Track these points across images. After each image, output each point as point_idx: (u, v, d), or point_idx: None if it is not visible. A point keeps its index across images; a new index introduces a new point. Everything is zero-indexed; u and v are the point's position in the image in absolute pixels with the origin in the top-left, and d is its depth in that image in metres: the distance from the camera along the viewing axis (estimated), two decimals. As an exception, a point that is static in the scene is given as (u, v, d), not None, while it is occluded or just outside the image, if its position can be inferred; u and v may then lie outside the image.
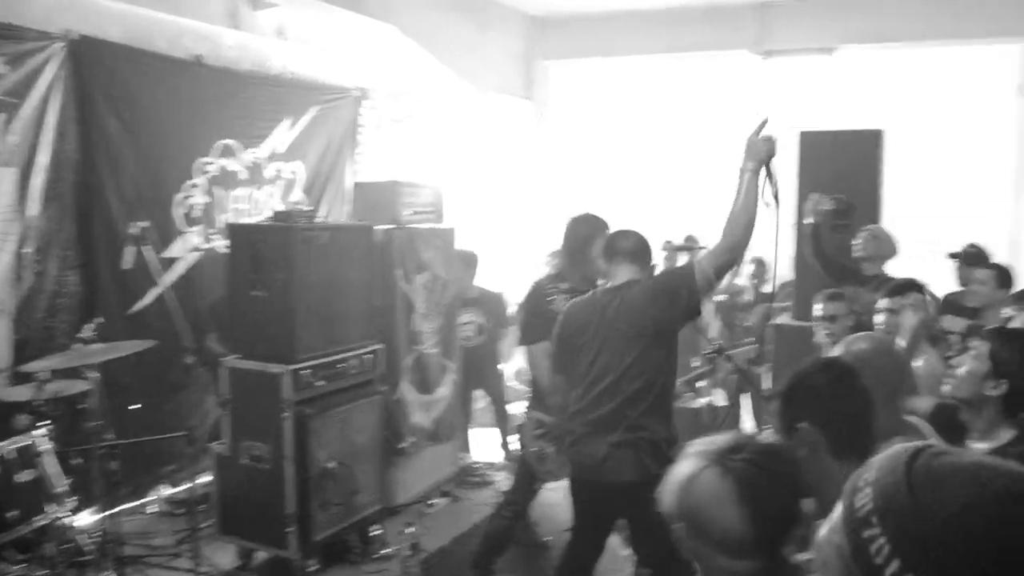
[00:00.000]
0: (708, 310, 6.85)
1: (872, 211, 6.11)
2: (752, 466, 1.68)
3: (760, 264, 7.39)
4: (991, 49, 8.63)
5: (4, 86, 5.15)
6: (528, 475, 4.66)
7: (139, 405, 5.34)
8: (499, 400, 7.21)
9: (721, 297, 7.30)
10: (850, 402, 2.05)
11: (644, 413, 3.66)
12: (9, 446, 3.72)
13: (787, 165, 6.41)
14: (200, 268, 6.39)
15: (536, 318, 4.46)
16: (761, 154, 3.47)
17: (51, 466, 3.90)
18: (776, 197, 3.50)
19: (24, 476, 3.73)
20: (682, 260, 7.17)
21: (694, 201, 9.46)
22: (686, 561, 1.74)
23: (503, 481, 6.64)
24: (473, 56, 8.94)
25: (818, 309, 4.69)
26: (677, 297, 3.66)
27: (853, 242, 5.55)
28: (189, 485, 5.72)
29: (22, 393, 4.42)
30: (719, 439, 1.77)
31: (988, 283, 4.90)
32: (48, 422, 4.07)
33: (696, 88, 9.82)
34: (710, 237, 7.51)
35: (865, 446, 2.00)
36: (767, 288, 7.46)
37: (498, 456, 7.15)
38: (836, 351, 4.19)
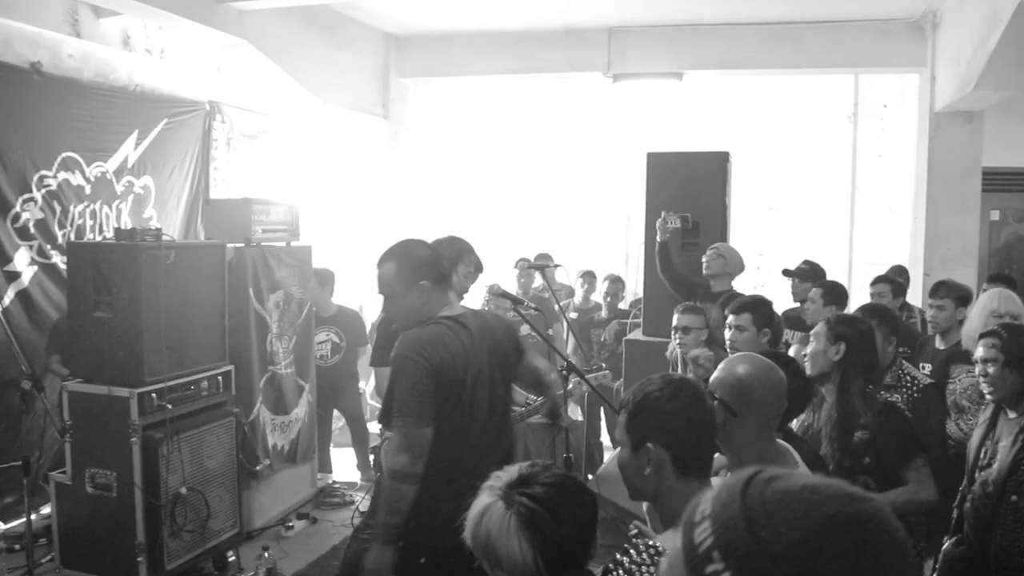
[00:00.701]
0: (561, 327, 6.99)
1: (720, 230, 6.36)
2: (535, 502, 1.80)
3: (615, 281, 7.59)
4: (827, 78, 9.21)
5: None
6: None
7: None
8: (357, 419, 7.13)
9: (573, 315, 7.45)
10: (697, 425, 2.06)
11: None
12: None
13: (639, 186, 6.68)
14: (37, 285, 6.09)
15: (388, 340, 4.44)
16: None
17: None
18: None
19: None
20: (535, 278, 7.31)
21: (547, 219, 9.66)
22: None
23: (363, 501, 6.57)
24: (329, 73, 8.85)
25: (674, 320, 4.84)
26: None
27: (702, 259, 5.76)
28: (25, 519, 5.43)
29: None
30: (511, 472, 1.89)
31: (817, 301, 5.12)
32: None
33: (550, 108, 10.02)
34: (561, 255, 7.77)
35: (707, 466, 2.11)
36: (622, 304, 7.67)
37: (357, 476, 7.06)
38: (700, 367, 4.39)
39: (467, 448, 3.21)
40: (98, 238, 6.43)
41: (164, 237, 4.88)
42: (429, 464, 3.09)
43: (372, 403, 7.87)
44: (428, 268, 3.25)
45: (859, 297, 6.56)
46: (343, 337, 6.96)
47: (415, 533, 3.13)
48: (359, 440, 7.06)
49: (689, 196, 6.35)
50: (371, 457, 7.18)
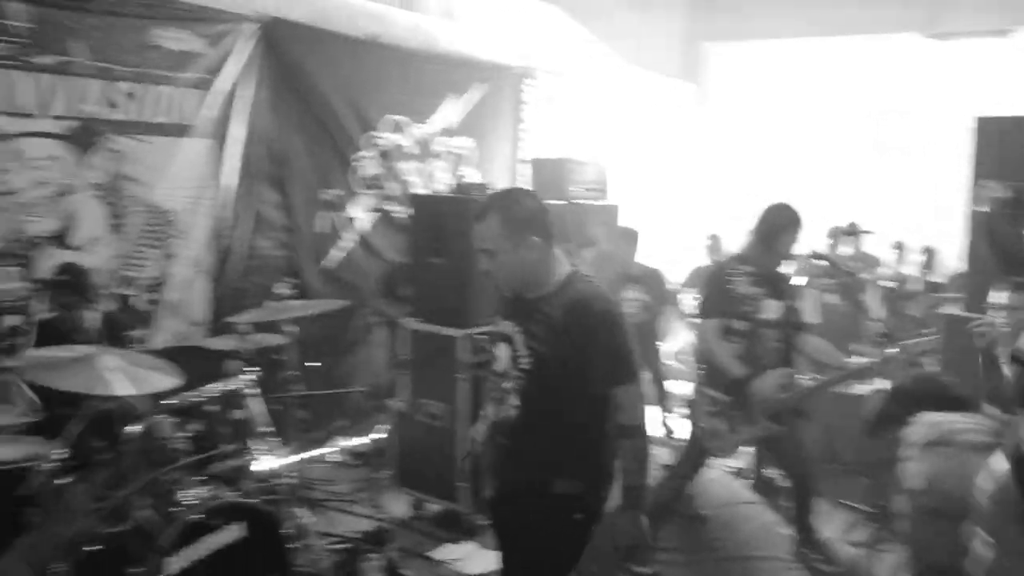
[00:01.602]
0: (874, 295, 6.79)
1: (1055, 203, 5.89)
2: None
3: (930, 253, 7.25)
4: None
5: (202, 64, 5.62)
6: (697, 450, 4.78)
7: (318, 364, 5.65)
8: (659, 377, 7.32)
9: (889, 284, 7.20)
10: None
11: None
12: (223, 387, 4.11)
13: (962, 152, 6.31)
14: (375, 231, 6.82)
15: (715, 295, 4.57)
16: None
17: (257, 408, 4.27)
18: None
19: (238, 415, 4.12)
20: (847, 246, 7.12)
21: (857, 187, 9.32)
22: None
23: (664, 456, 6.77)
24: (635, 36, 9.04)
25: (997, 296, 4.61)
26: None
27: (1031, 234, 5.41)
28: (365, 438, 6.14)
29: (227, 343, 4.85)
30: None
31: None
32: (255, 369, 4.45)
33: (860, 70, 9.62)
34: (875, 223, 7.49)
35: None
36: (936, 277, 7.32)
37: (658, 432, 7.27)
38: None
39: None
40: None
41: (488, 191, 5.28)
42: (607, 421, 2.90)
43: (672, 363, 8.03)
44: (538, 222, 2.89)
45: None
46: (650, 295, 7.15)
47: (580, 489, 2.90)
48: (661, 397, 7.26)
49: (1021, 164, 5.93)
50: (672, 414, 7.40)
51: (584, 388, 2.84)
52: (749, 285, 4.48)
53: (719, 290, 4.54)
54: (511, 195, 3.08)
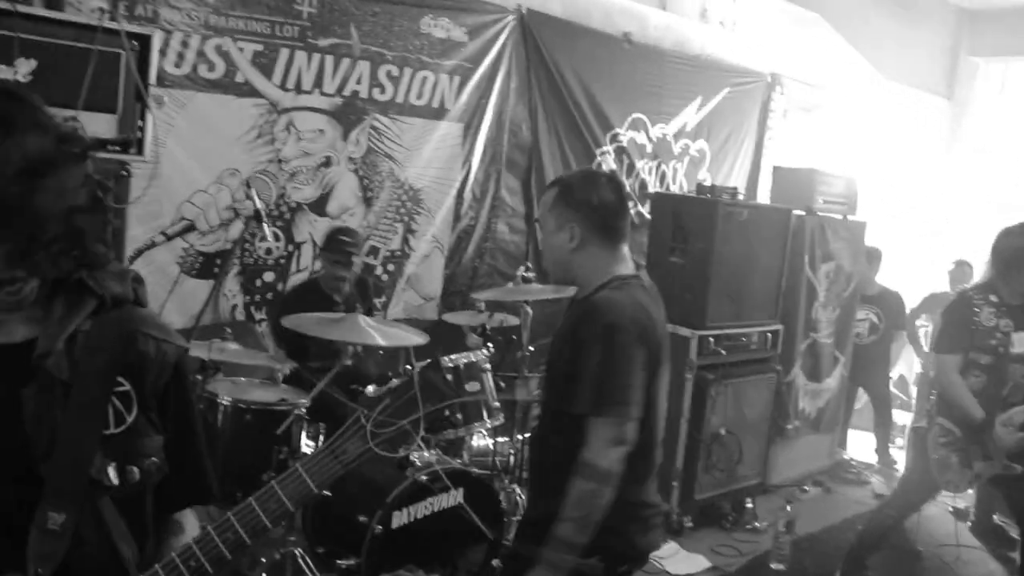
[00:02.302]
0: None
1: None
2: None
3: None
4: None
5: (464, 53, 5.86)
6: (923, 482, 4.54)
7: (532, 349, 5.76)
8: (883, 402, 7.03)
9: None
10: None
11: None
12: (463, 359, 4.31)
13: None
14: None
15: (956, 328, 4.31)
16: None
17: (489, 384, 4.44)
18: None
19: (472, 387, 4.30)
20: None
21: None
22: None
23: (878, 483, 6.51)
24: (893, 48, 8.63)
25: None
26: None
27: None
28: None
29: (465, 318, 5.07)
30: None
31: None
32: (491, 345, 4.64)
33: None
34: None
35: None
36: None
37: (874, 458, 7.00)
38: None
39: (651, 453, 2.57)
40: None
41: (739, 196, 5.24)
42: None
43: (895, 391, 7.70)
44: (596, 214, 2.50)
45: None
46: (882, 318, 6.89)
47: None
48: (882, 422, 6.97)
49: None
50: (893, 444, 7.08)
51: (569, 412, 2.41)
52: (996, 317, 4.20)
53: (962, 322, 4.27)
54: (585, 176, 2.74)
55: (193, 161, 4.80)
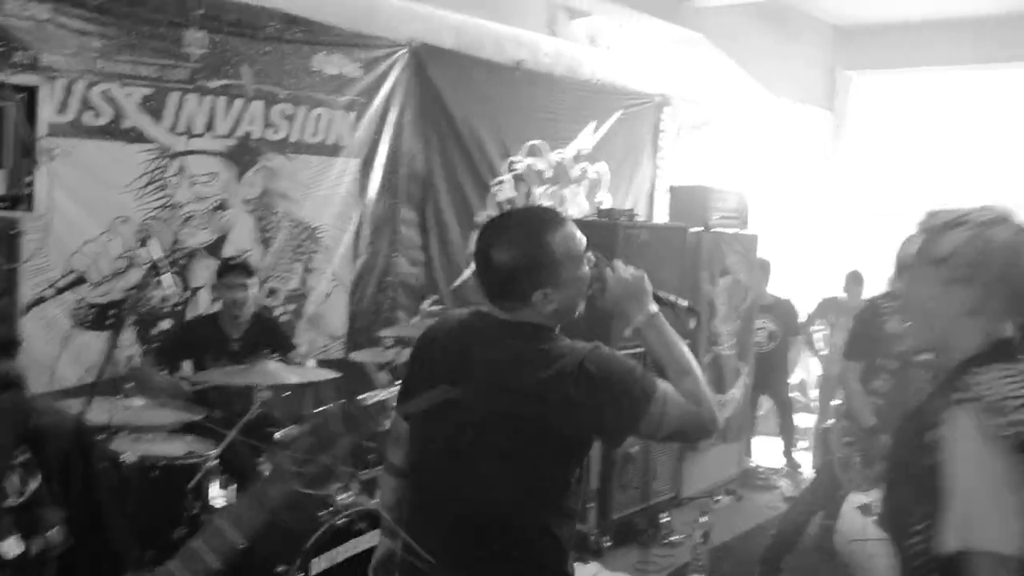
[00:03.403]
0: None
1: None
2: None
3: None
4: None
5: (357, 88, 5.85)
6: (830, 481, 4.71)
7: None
8: (785, 407, 7.25)
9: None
10: None
11: None
12: (372, 398, 4.27)
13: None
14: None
15: (862, 336, 4.48)
16: (641, 294, 2.30)
17: (399, 421, 4.43)
18: (692, 311, 2.53)
19: (384, 426, 4.27)
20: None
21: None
22: None
23: (787, 487, 6.70)
24: (774, 65, 8.96)
25: None
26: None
27: None
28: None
29: (371, 355, 5.03)
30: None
31: None
32: (399, 382, 4.61)
33: (1013, 99, 9.27)
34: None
35: None
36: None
37: (780, 463, 7.20)
38: None
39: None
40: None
41: (636, 218, 5.34)
42: None
43: (797, 395, 7.93)
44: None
45: None
46: (778, 326, 7.11)
47: None
48: (785, 427, 7.17)
49: None
50: (797, 447, 7.30)
51: None
52: (902, 323, 4.39)
53: (868, 330, 4.45)
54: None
55: (81, 211, 4.66)
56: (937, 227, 1.89)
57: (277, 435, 4.30)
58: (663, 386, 2.09)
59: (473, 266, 2.28)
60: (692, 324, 2.23)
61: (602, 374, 2.03)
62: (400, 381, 2.34)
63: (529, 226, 2.17)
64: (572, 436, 2.11)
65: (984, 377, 1.70)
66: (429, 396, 2.10)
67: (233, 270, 4.81)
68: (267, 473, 1.57)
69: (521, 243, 2.12)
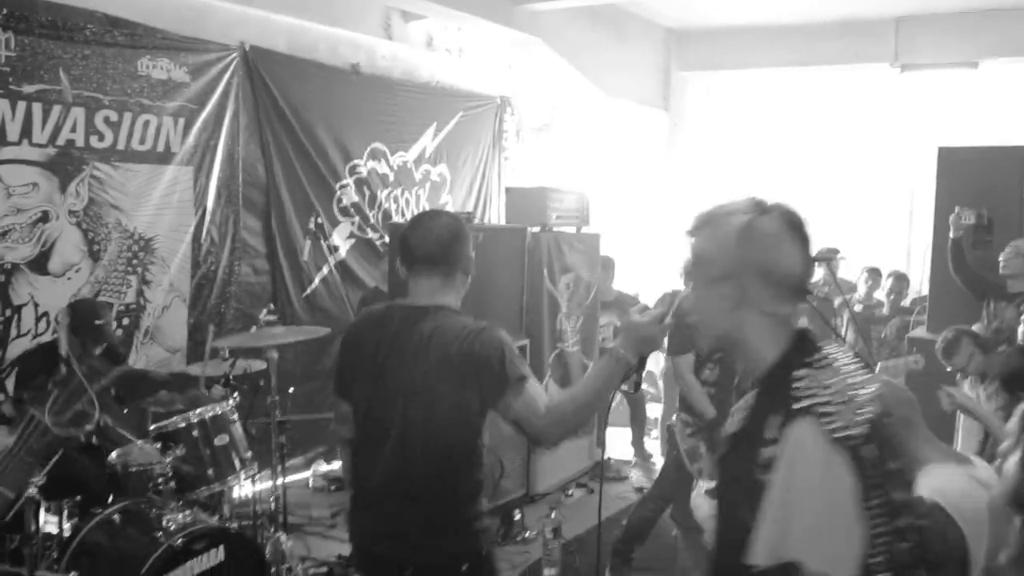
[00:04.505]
0: (845, 319, 6.94)
1: (1017, 228, 6.09)
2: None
3: (899, 278, 7.40)
4: None
5: (187, 94, 5.68)
6: (676, 472, 4.85)
7: (292, 389, 5.64)
8: (635, 399, 7.41)
9: (857, 307, 7.35)
10: None
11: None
12: (208, 412, 4.15)
13: (927, 180, 6.51)
14: (354, 257, 6.91)
15: (682, 329, 4.65)
16: (646, 346, 2.51)
17: (238, 434, 4.31)
18: (638, 385, 2.65)
19: (220, 440, 4.16)
20: (818, 272, 7.25)
21: (826, 214, 9.49)
22: None
23: (637, 478, 6.87)
24: (612, 67, 9.20)
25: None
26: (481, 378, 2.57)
27: (999, 258, 5.57)
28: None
29: (211, 368, 4.88)
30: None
31: None
32: (235, 395, 4.50)
33: (829, 101, 9.87)
34: (843, 248, 7.65)
35: None
36: (905, 302, 7.48)
37: (630, 453, 7.37)
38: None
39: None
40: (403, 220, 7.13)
41: (474, 221, 5.38)
42: None
43: (645, 387, 8.13)
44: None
45: None
46: (623, 320, 7.27)
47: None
48: (636, 418, 7.35)
49: (983, 191, 6.12)
50: (648, 437, 7.49)
51: None
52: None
53: (683, 323, 4.61)
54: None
55: None
56: (690, 230, 1.91)
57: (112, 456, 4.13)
58: (534, 382, 2.57)
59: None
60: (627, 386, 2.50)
61: (496, 342, 2.57)
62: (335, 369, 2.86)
63: (456, 220, 2.86)
64: (474, 383, 2.58)
65: (804, 383, 1.68)
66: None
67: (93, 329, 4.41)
68: (23, 430, 1.80)
69: (456, 229, 2.74)
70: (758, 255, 1.77)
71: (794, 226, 1.81)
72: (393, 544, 2.67)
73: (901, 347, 6.62)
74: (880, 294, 7.57)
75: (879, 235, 9.25)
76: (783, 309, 1.80)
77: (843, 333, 6.94)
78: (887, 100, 9.46)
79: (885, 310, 7.40)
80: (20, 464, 1.64)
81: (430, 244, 2.70)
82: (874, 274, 7.63)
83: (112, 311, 5.33)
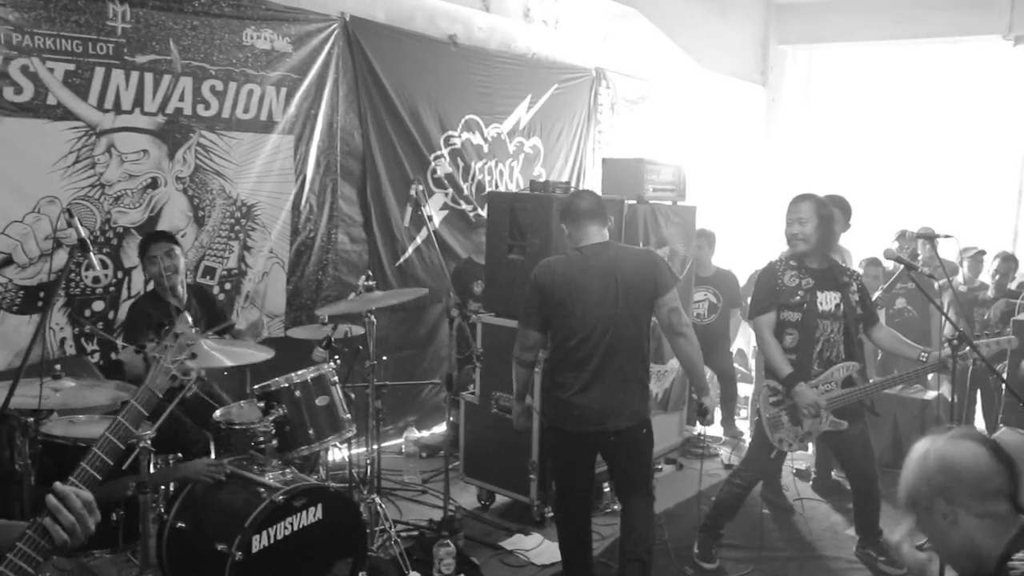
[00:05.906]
0: (945, 300, 6.72)
1: None
2: None
3: (1006, 259, 7.10)
4: None
5: (289, 64, 5.78)
6: (764, 444, 4.80)
7: (384, 357, 5.71)
8: (727, 377, 7.34)
9: (962, 289, 7.10)
10: None
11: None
12: (310, 373, 4.25)
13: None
14: (446, 227, 6.98)
15: (763, 291, 4.69)
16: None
17: (339, 396, 4.40)
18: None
19: (321, 401, 4.25)
20: (921, 248, 7.03)
21: (929, 191, 9.21)
22: None
23: (727, 455, 6.81)
24: (710, 39, 9.03)
25: None
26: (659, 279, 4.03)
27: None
28: (432, 431, 6.26)
29: (310, 332, 4.98)
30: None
31: None
32: (337, 358, 4.58)
33: (936, 74, 9.52)
34: (948, 227, 7.37)
35: None
36: (1012, 284, 7.18)
37: (721, 431, 7.30)
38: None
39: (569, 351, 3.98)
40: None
41: (571, 190, 5.36)
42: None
43: (737, 366, 8.04)
44: (567, 209, 4.14)
45: None
46: (719, 297, 7.20)
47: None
48: (727, 396, 7.27)
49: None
50: (739, 415, 7.42)
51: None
52: (798, 277, 4.63)
53: (768, 285, 4.67)
54: (572, 193, 4.49)
55: (5, 191, 4.56)
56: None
57: (216, 414, 4.27)
58: None
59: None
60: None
61: (658, 256, 4.34)
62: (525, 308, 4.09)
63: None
64: (651, 279, 4.03)
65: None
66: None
67: (155, 240, 4.73)
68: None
69: (598, 195, 4.31)
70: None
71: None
72: (604, 416, 3.94)
73: (1006, 331, 6.37)
74: (985, 276, 7.28)
75: (986, 215, 8.91)
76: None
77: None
78: (998, 74, 9.07)
79: (990, 292, 7.13)
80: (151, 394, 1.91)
81: (592, 203, 4.10)
82: (979, 255, 7.32)
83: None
